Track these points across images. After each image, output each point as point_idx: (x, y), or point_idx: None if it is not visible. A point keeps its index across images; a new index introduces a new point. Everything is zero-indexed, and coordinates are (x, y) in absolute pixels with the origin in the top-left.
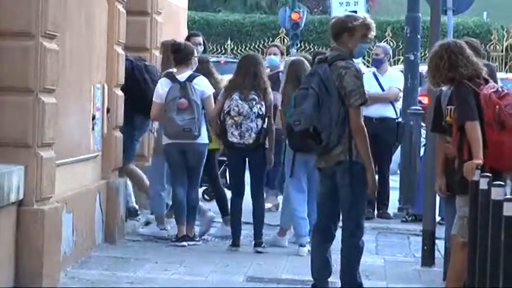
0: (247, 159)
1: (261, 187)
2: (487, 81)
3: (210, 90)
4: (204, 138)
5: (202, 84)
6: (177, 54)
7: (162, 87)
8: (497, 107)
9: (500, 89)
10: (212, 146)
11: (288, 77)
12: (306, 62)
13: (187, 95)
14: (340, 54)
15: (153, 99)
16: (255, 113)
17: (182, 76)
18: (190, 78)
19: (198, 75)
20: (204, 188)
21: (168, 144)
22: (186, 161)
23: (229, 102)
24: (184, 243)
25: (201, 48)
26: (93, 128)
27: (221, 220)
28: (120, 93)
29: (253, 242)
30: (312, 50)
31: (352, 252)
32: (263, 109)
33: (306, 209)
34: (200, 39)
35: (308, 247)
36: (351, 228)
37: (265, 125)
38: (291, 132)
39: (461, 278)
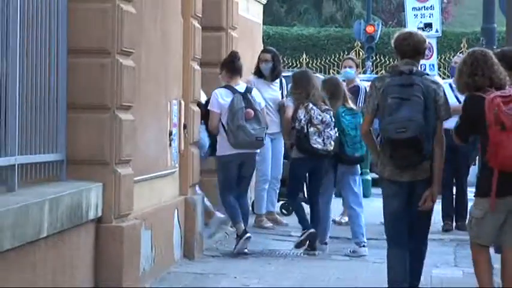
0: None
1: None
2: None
3: (263, 102)
4: None
5: (258, 96)
6: (235, 63)
7: (223, 98)
8: (496, 108)
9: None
10: None
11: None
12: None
13: (252, 105)
14: (420, 69)
15: (211, 108)
16: (333, 122)
17: (240, 87)
18: (249, 90)
19: (252, 88)
20: (281, 202)
21: (232, 154)
22: (241, 170)
23: (305, 111)
24: (248, 234)
25: (266, 65)
26: (170, 144)
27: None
28: (196, 109)
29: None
30: (388, 62)
31: (423, 261)
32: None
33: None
34: (268, 56)
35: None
36: (424, 239)
37: (336, 134)
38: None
39: (488, 280)
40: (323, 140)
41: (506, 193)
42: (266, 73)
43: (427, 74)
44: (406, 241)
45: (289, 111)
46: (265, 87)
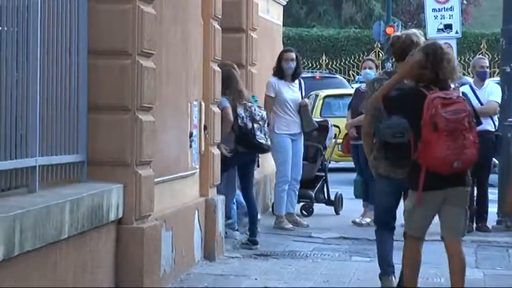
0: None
1: None
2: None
3: None
4: None
5: None
6: None
7: None
8: (433, 109)
9: (454, 97)
10: None
11: None
12: None
13: None
14: None
15: None
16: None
17: None
18: None
19: None
20: (302, 203)
21: None
22: None
23: (245, 108)
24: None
25: (293, 64)
26: (190, 145)
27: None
28: (216, 110)
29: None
30: None
31: None
32: None
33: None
34: (293, 55)
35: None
36: None
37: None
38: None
39: (414, 272)
40: (264, 135)
41: (433, 187)
42: (290, 72)
43: None
44: (394, 225)
45: (231, 114)
46: (286, 88)
